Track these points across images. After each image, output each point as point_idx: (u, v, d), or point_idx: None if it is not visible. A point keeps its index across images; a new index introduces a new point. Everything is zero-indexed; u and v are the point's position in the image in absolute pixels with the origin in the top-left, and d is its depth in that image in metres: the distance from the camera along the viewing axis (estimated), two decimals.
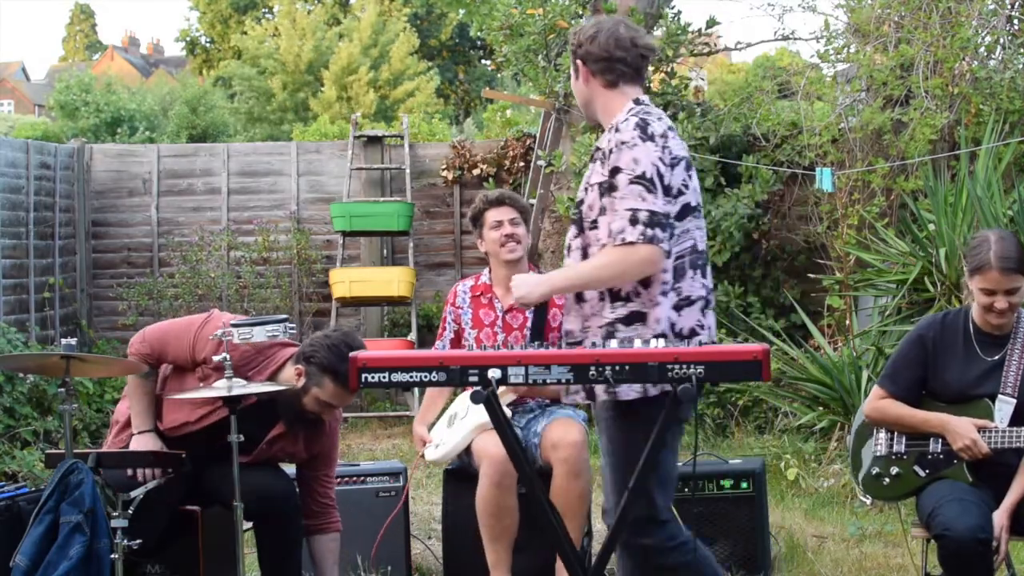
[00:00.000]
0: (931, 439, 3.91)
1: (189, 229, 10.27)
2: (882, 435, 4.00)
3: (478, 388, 3.15)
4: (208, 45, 36.92)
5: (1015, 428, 3.79)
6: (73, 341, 4.16)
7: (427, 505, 6.19)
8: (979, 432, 3.79)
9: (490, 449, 4.49)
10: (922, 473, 3.92)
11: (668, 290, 3.46)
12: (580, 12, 9.11)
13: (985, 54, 8.18)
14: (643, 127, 3.47)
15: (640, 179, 3.40)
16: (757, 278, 8.92)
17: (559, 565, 4.44)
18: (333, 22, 31.99)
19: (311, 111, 28.09)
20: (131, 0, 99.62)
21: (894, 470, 3.96)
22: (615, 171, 3.43)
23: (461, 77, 34.49)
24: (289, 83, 29.52)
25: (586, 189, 3.57)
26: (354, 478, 5.01)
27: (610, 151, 3.47)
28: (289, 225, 10.21)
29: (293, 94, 29.54)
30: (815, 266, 8.50)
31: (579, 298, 3.55)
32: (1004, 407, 3.82)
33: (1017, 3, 8.29)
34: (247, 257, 10.10)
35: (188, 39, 37.37)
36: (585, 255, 3.53)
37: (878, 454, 4.00)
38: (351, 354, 3.24)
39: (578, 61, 3.65)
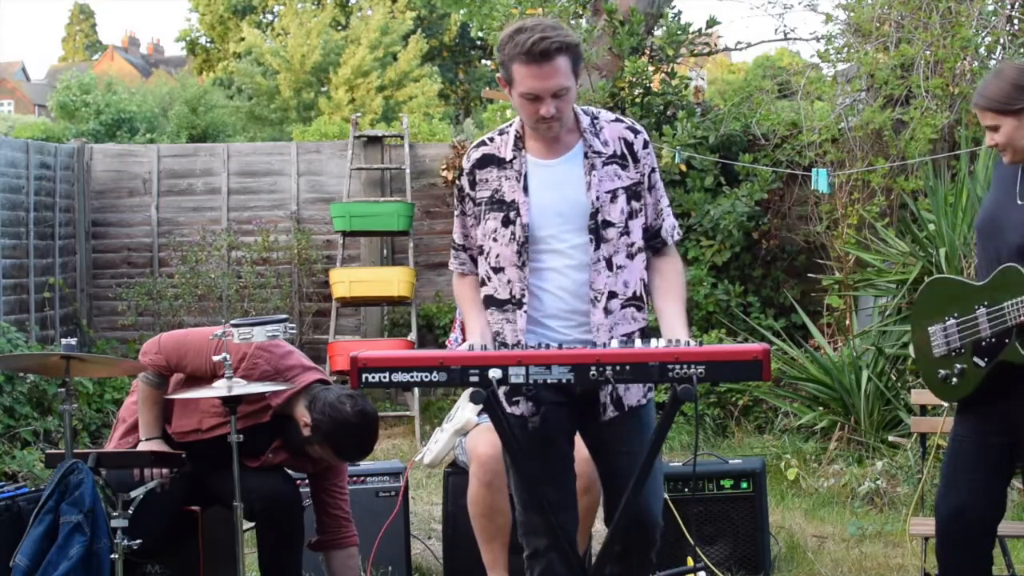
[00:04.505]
0: (979, 323, 3.65)
1: (189, 229, 10.26)
2: (937, 334, 3.78)
3: (478, 388, 3.14)
4: (208, 46, 36.89)
5: None
6: (73, 341, 4.15)
7: (427, 505, 6.20)
8: None
9: (479, 450, 4.45)
10: (982, 363, 3.67)
11: None
12: (580, 12, 9.12)
13: (985, 54, 8.18)
14: None
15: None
16: (757, 278, 8.92)
17: None
18: (335, 24, 31.94)
19: (315, 110, 28.04)
20: (131, 0, 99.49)
21: (958, 367, 3.74)
22: (653, 171, 3.50)
23: (461, 77, 34.46)
24: (293, 82, 29.47)
25: (607, 197, 3.40)
26: (354, 478, 5.01)
27: (635, 151, 3.43)
28: (289, 225, 10.21)
29: (296, 94, 29.49)
30: (815, 266, 8.50)
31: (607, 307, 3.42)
32: None
33: (1017, 3, 8.29)
34: (247, 257, 10.10)
35: (188, 40, 37.33)
36: (609, 265, 3.39)
37: (938, 355, 3.79)
38: (351, 354, 3.23)
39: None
